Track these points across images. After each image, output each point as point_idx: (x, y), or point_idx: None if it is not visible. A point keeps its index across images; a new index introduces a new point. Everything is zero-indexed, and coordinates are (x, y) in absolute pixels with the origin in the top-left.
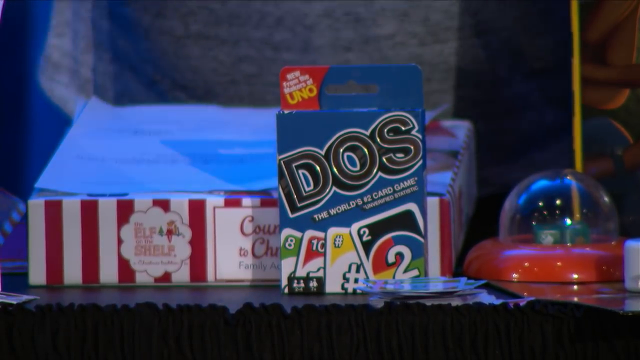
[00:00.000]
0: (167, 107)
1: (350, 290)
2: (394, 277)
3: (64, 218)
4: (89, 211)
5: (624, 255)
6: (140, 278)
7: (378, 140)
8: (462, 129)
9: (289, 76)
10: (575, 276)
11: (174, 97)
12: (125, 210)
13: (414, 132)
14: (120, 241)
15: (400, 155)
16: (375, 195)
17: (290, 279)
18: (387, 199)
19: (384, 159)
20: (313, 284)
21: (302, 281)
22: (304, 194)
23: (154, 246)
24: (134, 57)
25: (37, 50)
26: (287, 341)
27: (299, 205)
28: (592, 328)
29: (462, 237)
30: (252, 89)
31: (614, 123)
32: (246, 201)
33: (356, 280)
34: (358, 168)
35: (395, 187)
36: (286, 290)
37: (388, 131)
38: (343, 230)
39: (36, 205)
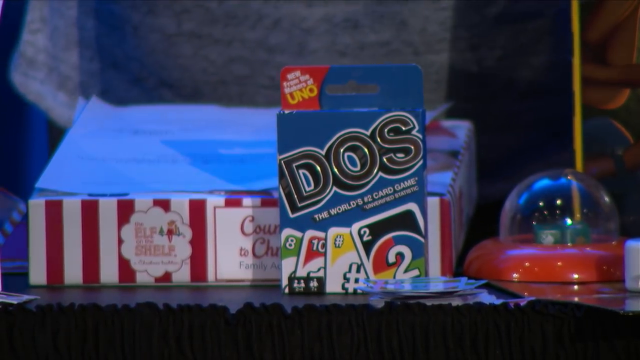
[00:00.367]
0: (167, 107)
1: (350, 290)
2: (394, 277)
3: (64, 218)
4: (90, 211)
5: (625, 255)
6: (141, 278)
7: (378, 140)
8: (462, 129)
9: (290, 76)
10: (576, 276)
11: (159, 96)
12: (125, 210)
13: (414, 132)
14: (120, 241)
15: (400, 155)
16: (376, 195)
17: (291, 279)
18: (388, 199)
19: (385, 159)
20: (313, 283)
21: (302, 281)
22: (305, 194)
23: (154, 246)
24: (119, 54)
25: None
26: (287, 341)
27: (299, 205)
28: (592, 328)
29: (462, 237)
30: (243, 90)
31: (614, 123)
32: (247, 201)
33: (357, 280)
34: (358, 168)
35: (395, 187)
36: (287, 290)
37: (388, 131)
38: (343, 230)
39: (37, 205)
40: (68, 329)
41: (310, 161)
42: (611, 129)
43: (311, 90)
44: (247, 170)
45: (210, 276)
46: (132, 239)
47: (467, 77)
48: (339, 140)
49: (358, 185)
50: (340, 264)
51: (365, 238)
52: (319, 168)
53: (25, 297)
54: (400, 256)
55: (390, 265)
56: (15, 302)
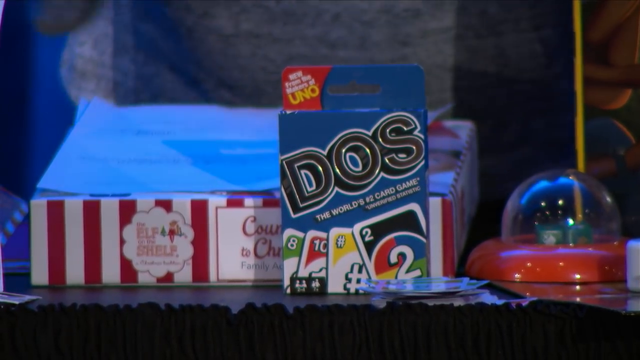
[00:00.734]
0: (169, 107)
1: (352, 290)
2: (396, 278)
3: (66, 218)
4: (92, 211)
5: (627, 256)
6: (143, 278)
7: (380, 140)
8: (464, 129)
9: (291, 76)
10: (578, 276)
11: (219, 97)
12: (127, 210)
13: (416, 132)
14: (122, 241)
15: (402, 155)
16: (378, 196)
17: (293, 279)
18: (390, 199)
19: (386, 159)
20: (315, 284)
21: (304, 281)
22: (306, 194)
23: (156, 246)
24: (175, 57)
25: (41, 52)
26: (289, 341)
27: (301, 205)
28: (594, 328)
29: (464, 237)
30: None
31: (616, 123)
32: (248, 201)
33: (358, 281)
34: (360, 168)
35: (397, 187)
36: (288, 291)
37: (390, 131)
38: (345, 231)
39: (38, 206)
40: (70, 329)
41: (312, 161)
42: (613, 129)
43: (313, 90)
44: (249, 171)
45: (212, 276)
46: (134, 239)
47: (529, 55)
48: (341, 140)
49: (360, 186)
50: (342, 264)
51: (367, 238)
52: (320, 168)
53: (27, 298)
54: (402, 256)
55: (392, 266)
56: (17, 302)
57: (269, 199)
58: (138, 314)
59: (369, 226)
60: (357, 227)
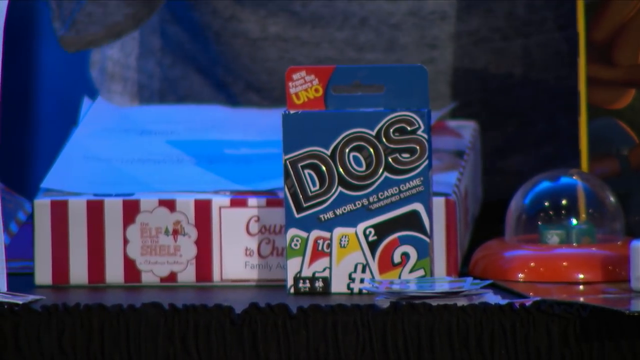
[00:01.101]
0: (172, 107)
1: (356, 290)
2: (399, 277)
3: (69, 218)
4: (95, 211)
5: (630, 255)
6: (146, 278)
7: (384, 140)
8: (467, 129)
9: (295, 76)
10: (581, 276)
11: (247, 100)
12: (131, 210)
13: (419, 132)
14: (126, 241)
15: (406, 155)
16: (381, 195)
17: (296, 279)
18: (393, 199)
19: (390, 159)
20: (319, 284)
21: (307, 281)
22: (310, 194)
23: (159, 246)
24: (203, 60)
25: (45, 52)
26: (293, 341)
27: (304, 205)
28: (598, 328)
29: (468, 237)
30: None
31: (619, 123)
32: (252, 201)
33: (362, 280)
34: (364, 168)
35: (401, 187)
36: (292, 290)
37: (394, 131)
38: (349, 230)
39: (42, 205)
40: (73, 329)
41: (316, 161)
42: (616, 129)
43: (317, 90)
44: (252, 171)
45: (216, 276)
46: (137, 239)
47: (555, 55)
48: (345, 140)
49: (363, 186)
50: (345, 264)
51: (370, 238)
52: (324, 168)
53: (30, 297)
54: (405, 256)
55: (395, 266)
56: (20, 302)
57: (272, 199)
58: (142, 314)
59: (373, 226)
60: (361, 226)
